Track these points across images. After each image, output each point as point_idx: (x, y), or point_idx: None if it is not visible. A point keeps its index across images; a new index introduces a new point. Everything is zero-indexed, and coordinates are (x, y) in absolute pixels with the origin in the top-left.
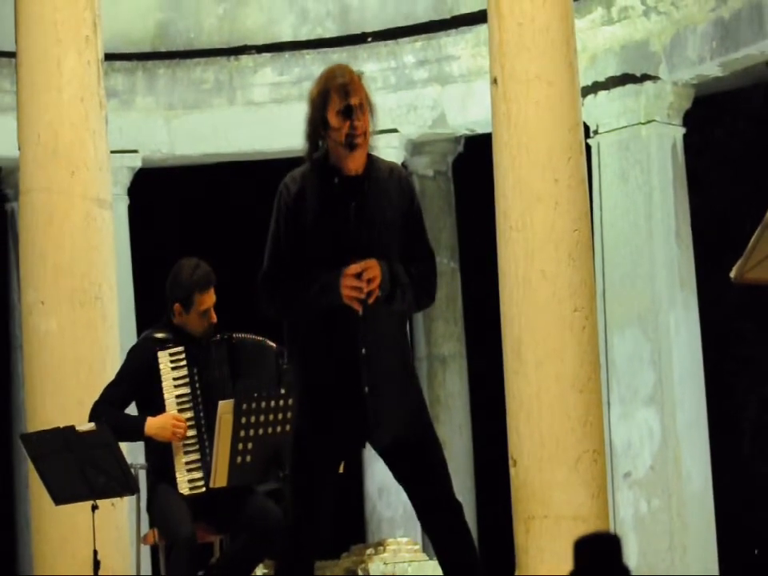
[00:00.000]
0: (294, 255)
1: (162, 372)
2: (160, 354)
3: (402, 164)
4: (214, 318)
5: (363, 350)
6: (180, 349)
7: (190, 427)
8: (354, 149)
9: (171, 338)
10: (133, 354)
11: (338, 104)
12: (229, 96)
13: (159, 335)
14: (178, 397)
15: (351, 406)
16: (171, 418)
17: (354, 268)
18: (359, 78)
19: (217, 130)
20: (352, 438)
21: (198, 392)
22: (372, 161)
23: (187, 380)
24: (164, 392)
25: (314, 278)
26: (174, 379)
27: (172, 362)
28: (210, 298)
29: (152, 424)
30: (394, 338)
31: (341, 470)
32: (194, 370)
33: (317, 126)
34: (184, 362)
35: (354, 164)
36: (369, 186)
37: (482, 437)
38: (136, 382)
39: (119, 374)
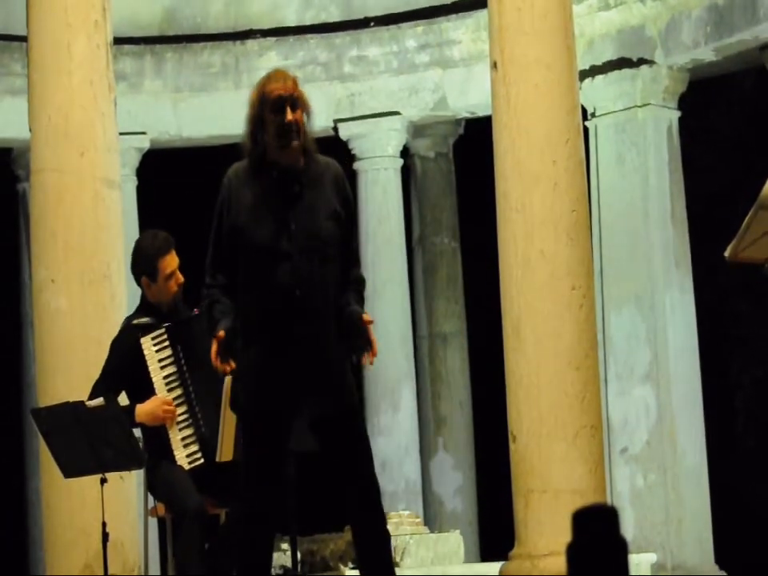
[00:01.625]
0: (235, 246)
1: (147, 357)
2: (143, 339)
3: (404, 146)
4: (181, 279)
5: (297, 326)
6: (161, 330)
7: (180, 404)
8: (289, 143)
9: (150, 321)
10: (115, 347)
11: (273, 102)
12: (235, 79)
13: (137, 321)
14: (165, 377)
15: (287, 378)
16: (160, 401)
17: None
18: (295, 81)
19: (223, 113)
20: (290, 407)
21: (185, 368)
22: (309, 156)
23: (172, 359)
24: (151, 375)
25: (223, 309)
26: (160, 360)
27: (155, 344)
28: (173, 260)
29: (141, 411)
30: (330, 320)
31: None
32: (178, 348)
33: (255, 124)
34: (167, 342)
35: (290, 158)
36: (306, 178)
37: (481, 413)
38: (122, 373)
39: (104, 370)
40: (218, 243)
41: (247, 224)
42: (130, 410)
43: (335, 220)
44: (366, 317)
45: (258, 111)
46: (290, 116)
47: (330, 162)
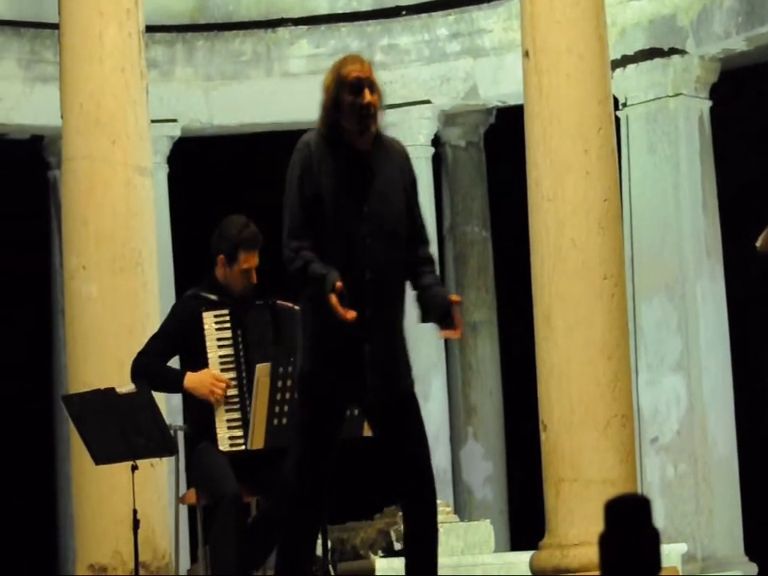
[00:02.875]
0: (312, 214)
1: (206, 332)
2: (205, 314)
3: (435, 135)
4: (255, 279)
5: (368, 312)
6: (225, 311)
7: (232, 387)
8: (367, 126)
9: (216, 299)
10: (177, 311)
11: (351, 84)
12: (266, 67)
13: (204, 294)
14: (221, 357)
15: (354, 363)
16: (211, 375)
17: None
18: (369, 65)
19: (254, 101)
20: (352, 393)
21: (241, 353)
22: (379, 138)
23: (231, 341)
24: (207, 351)
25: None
26: (218, 339)
27: (216, 323)
28: (253, 259)
29: (191, 378)
30: (396, 303)
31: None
32: (238, 332)
33: (331, 107)
34: (228, 324)
35: (365, 143)
36: (377, 161)
37: (512, 402)
38: (178, 337)
39: (162, 329)
40: (302, 208)
41: (323, 205)
42: (180, 373)
43: (404, 201)
44: (454, 297)
45: (334, 94)
46: (368, 98)
47: (395, 141)
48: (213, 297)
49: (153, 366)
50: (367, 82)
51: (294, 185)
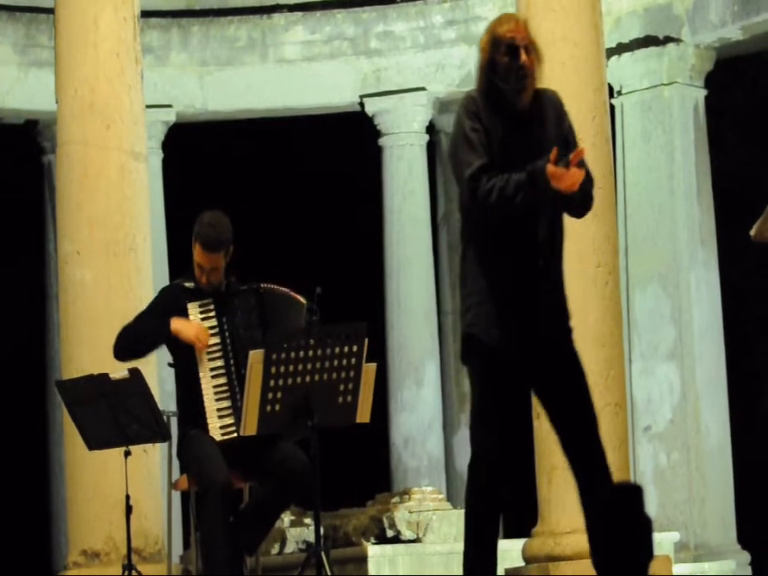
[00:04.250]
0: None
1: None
2: (189, 305)
3: (430, 122)
4: (214, 280)
5: (541, 263)
6: (209, 300)
7: (220, 375)
8: (523, 87)
9: (198, 289)
10: (163, 294)
11: (507, 45)
12: (261, 53)
13: (188, 284)
14: (208, 346)
15: (527, 313)
16: (198, 323)
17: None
18: (526, 24)
19: (249, 87)
20: (524, 344)
21: (228, 341)
22: (537, 93)
23: (217, 330)
24: None
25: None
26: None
27: (201, 312)
28: (207, 260)
29: (177, 320)
30: (560, 253)
31: (368, 420)
32: (224, 320)
33: (487, 69)
34: (213, 313)
35: (522, 103)
36: (534, 118)
37: None
38: (164, 315)
39: (148, 308)
40: (479, 153)
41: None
42: (164, 322)
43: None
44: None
45: (490, 55)
46: (524, 58)
47: (547, 92)
48: (196, 287)
49: (136, 323)
50: (522, 43)
51: (466, 130)
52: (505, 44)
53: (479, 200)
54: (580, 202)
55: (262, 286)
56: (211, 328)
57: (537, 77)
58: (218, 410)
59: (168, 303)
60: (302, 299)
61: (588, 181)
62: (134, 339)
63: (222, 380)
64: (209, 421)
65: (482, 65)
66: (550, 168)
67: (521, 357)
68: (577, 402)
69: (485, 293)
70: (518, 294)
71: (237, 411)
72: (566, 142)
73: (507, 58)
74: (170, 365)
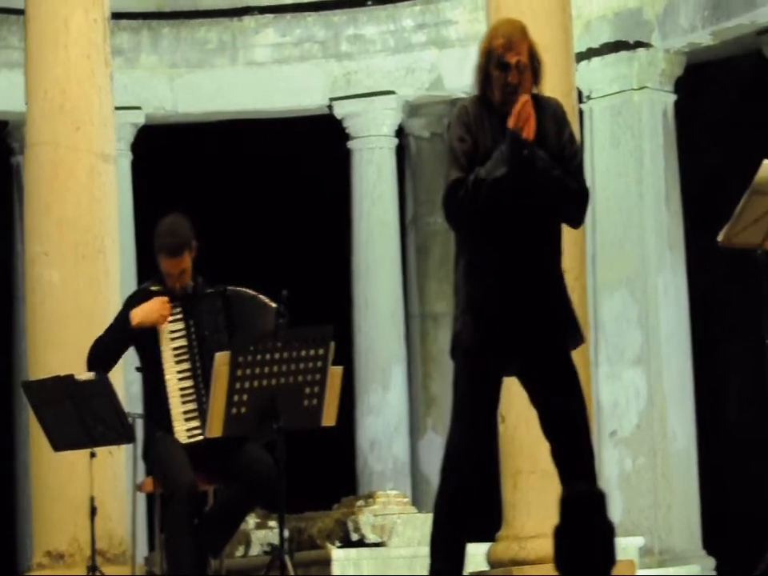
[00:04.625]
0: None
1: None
2: None
3: (399, 125)
4: (185, 282)
5: (526, 267)
6: (176, 303)
7: (186, 378)
8: (508, 104)
9: (164, 291)
10: (129, 302)
11: (496, 62)
12: (231, 56)
13: (153, 288)
14: (174, 349)
15: (514, 322)
16: (151, 300)
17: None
18: (521, 36)
19: (219, 89)
20: (513, 352)
21: (194, 344)
22: (534, 100)
23: (183, 332)
24: (161, 344)
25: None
26: (171, 332)
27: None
28: (174, 264)
29: (137, 312)
30: (554, 255)
31: (333, 424)
32: (190, 323)
33: (482, 77)
34: (180, 315)
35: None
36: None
37: None
38: (130, 325)
39: (117, 318)
40: (463, 164)
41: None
42: (124, 316)
43: (557, 158)
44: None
45: (484, 64)
46: (511, 77)
47: (551, 101)
48: (162, 289)
49: (104, 338)
50: (513, 59)
51: (453, 143)
52: (496, 58)
53: (453, 210)
54: (563, 199)
55: (228, 288)
56: (177, 331)
57: (532, 88)
58: (184, 412)
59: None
60: (270, 302)
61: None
62: (103, 349)
63: (188, 383)
64: (175, 423)
65: (478, 70)
66: (510, 120)
67: (500, 362)
68: (570, 406)
69: (470, 303)
70: (503, 303)
71: (203, 414)
72: (563, 149)
73: (498, 72)
74: (137, 369)
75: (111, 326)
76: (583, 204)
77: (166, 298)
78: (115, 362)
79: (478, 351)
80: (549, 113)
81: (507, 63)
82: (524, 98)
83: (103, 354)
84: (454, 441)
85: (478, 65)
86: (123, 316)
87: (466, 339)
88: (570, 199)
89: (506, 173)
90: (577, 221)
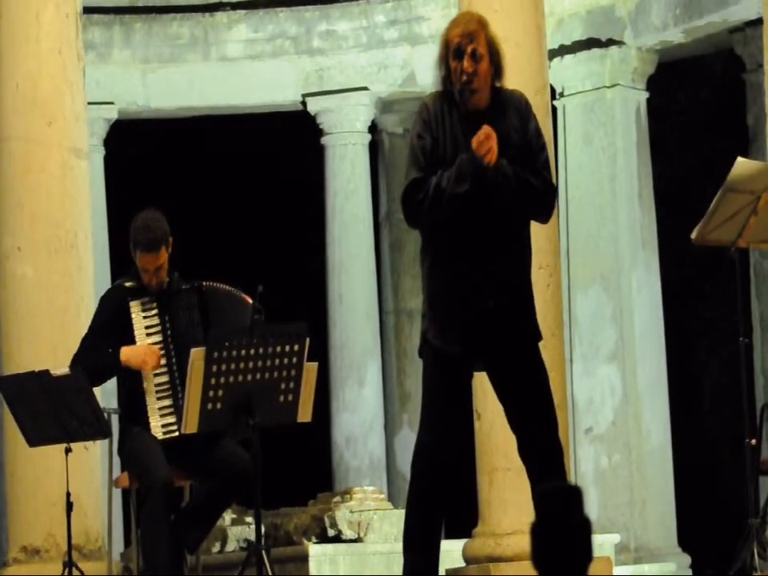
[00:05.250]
0: (432, 169)
1: (134, 321)
2: (132, 303)
3: (372, 121)
4: (162, 278)
5: (487, 265)
6: (151, 297)
7: (162, 374)
8: (464, 93)
9: (140, 287)
10: (103, 304)
11: (454, 49)
12: (204, 51)
13: (128, 284)
14: (150, 345)
15: (476, 319)
16: (145, 347)
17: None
18: (478, 26)
19: (191, 85)
20: (477, 349)
21: (170, 339)
22: (496, 94)
23: (159, 328)
24: (136, 340)
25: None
26: (146, 327)
27: (143, 310)
28: (150, 260)
29: (126, 349)
30: (518, 252)
31: (309, 419)
32: (165, 318)
33: (442, 69)
34: (155, 311)
35: (472, 104)
36: (494, 118)
37: None
38: (108, 330)
39: (91, 326)
40: (421, 166)
41: (442, 161)
42: (114, 353)
43: (517, 151)
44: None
45: (444, 55)
46: (466, 64)
47: (514, 94)
48: (136, 284)
49: (88, 358)
50: (469, 48)
51: (413, 142)
52: (453, 48)
53: (412, 212)
54: (528, 200)
55: (204, 284)
56: (153, 326)
57: (499, 75)
58: (160, 408)
59: (112, 309)
60: (247, 297)
61: (540, 185)
62: (91, 378)
63: (164, 378)
64: (150, 419)
65: (438, 63)
66: (474, 140)
67: (466, 360)
68: (536, 402)
69: (434, 302)
70: (464, 299)
71: (178, 410)
72: (529, 145)
73: (455, 62)
74: None
75: (86, 335)
76: (550, 200)
77: (156, 349)
78: (98, 383)
79: (442, 350)
80: (512, 107)
81: (463, 51)
82: (486, 130)
83: (87, 370)
84: (422, 439)
85: (439, 57)
86: (98, 319)
87: (431, 338)
88: (535, 199)
89: (467, 189)
90: (544, 217)
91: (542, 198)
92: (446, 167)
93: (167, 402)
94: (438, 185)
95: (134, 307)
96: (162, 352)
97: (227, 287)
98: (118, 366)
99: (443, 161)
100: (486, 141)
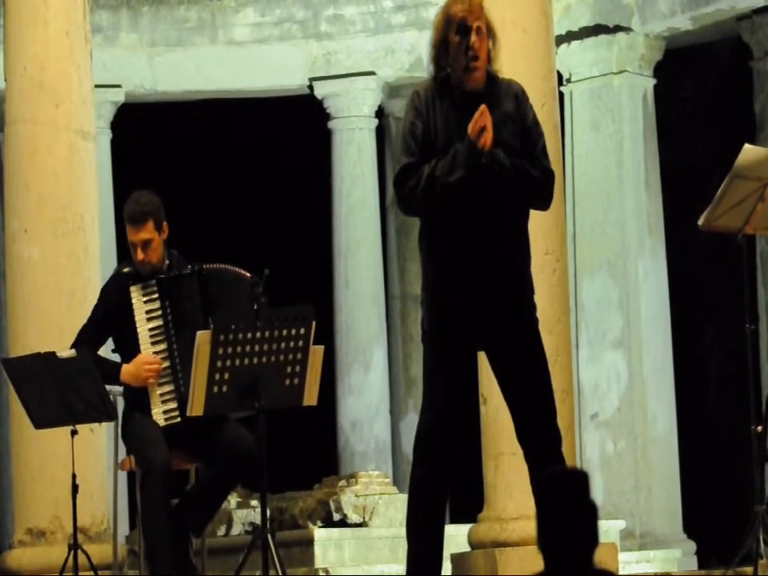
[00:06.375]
0: (426, 155)
1: (134, 306)
2: (132, 288)
3: (379, 106)
4: (141, 256)
5: (485, 253)
6: (152, 282)
7: (163, 359)
8: (470, 70)
9: (139, 272)
10: (104, 293)
11: (458, 24)
12: (211, 35)
13: (127, 270)
14: (150, 330)
15: (472, 301)
16: (141, 362)
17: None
18: (480, 5)
19: (198, 68)
20: (474, 332)
21: (171, 324)
22: (492, 79)
23: (159, 312)
24: (137, 326)
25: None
26: (147, 312)
27: (144, 295)
28: (135, 234)
29: (126, 371)
30: (515, 241)
31: (315, 403)
32: (166, 303)
33: (439, 47)
34: (156, 295)
35: (473, 83)
36: (490, 103)
37: None
38: (109, 320)
39: (92, 314)
40: (414, 150)
41: (436, 146)
42: (117, 368)
43: (519, 141)
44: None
45: (443, 34)
46: (474, 38)
47: (510, 82)
48: (135, 270)
49: (84, 334)
50: (475, 23)
51: (405, 129)
52: (456, 23)
53: (404, 198)
54: (526, 189)
55: (205, 267)
56: (154, 311)
57: (491, 60)
58: (161, 394)
59: (112, 298)
60: (245, 273)
61: (538, 174)
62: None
63: (165, 363)
64: (152, 406)
65: (434, 44)
66: (469, 127)
67: (465, 345)
68: (533, 386)
69: (432, 288)
70: (462, 287)
71: (180, 395)
72: (528, 133)
73: (458, 38)
74: (113, 351)
75: (87, 325)
76: (549, 189)
77: (148, 356)
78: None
79: (440, 335)
80: (509, 93)
81: (469, 26)
82: (482, 108)
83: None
84: (424, 422)
85: (435, 38)
86: (99, 310)
87: (429, 323)
88: (533, 188)
89: (462, 176)
90: (544, 206)
91: (541, 187)
92: (437, 153)
93: (168, 388)
94: (431, 173)
95: (135, 292)
96: (163, 336)
97: (228, 267)
98: (117, 382)
99: (434, 147)
100: (480, 118)
